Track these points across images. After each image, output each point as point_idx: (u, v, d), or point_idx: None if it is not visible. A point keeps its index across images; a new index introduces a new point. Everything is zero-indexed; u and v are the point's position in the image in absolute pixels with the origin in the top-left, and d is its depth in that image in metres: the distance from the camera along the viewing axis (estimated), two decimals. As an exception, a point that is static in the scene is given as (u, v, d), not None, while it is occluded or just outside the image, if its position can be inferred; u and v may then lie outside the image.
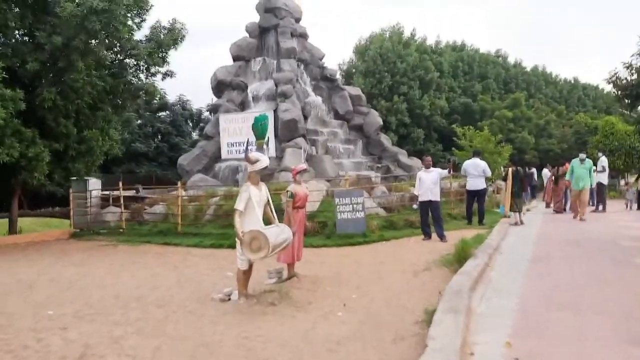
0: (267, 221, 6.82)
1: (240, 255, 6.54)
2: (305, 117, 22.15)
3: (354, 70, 35.82)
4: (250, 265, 6.74)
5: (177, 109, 39.60)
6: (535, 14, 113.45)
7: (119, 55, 15.36)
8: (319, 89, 25.03)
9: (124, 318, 5.80)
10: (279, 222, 7.00)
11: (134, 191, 17.37)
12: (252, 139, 11.42)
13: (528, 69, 49.20)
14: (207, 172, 20.65)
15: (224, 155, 11.68)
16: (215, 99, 24.02)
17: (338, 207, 11.36)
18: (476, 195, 13.52)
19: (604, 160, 17.52)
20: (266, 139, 6.42)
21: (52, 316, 5.99)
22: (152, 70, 15.95)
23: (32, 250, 12.36)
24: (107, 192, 17.04)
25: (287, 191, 7.82)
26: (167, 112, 39.23)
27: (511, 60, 48.42)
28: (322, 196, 12.80)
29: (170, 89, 67.97)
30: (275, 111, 21.26)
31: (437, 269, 8.22)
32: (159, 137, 37.90)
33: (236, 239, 6.38)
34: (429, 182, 10.85)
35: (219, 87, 23.26)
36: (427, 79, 34.41)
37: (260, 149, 6.77)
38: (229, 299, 6.74)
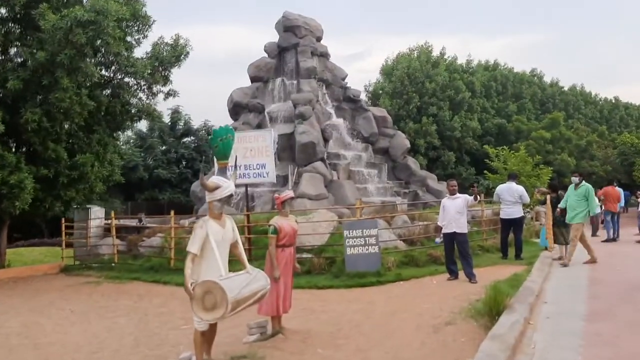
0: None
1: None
2: (326, 140, 20.78)
3: (380, 91, 34.29)
4: (213, 325, 5.16)
5: (202, 135, 38.78)
6: (571, 34, 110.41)
7: (117, 74, 14.22)
8: (342, 110, 23.67)
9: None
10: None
11: (137, 221, 16.06)
12: (243, 161, 9.84)
13: (566, 89, 46.84)
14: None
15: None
16: (232, 122, 22.90)
17: (347, 240, 9.70)
18: (512, 225, 11.67)
19: None
20: (231, 159, 4.92)
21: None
22: (154, 89, 14.74)
23: (6, 288, 11.07)
24: (109, 222, 15.79)
25: (269, 225, 6.25)
26: (191, 137, 38.38)
27: (547, 79, 46.20)
28: (333, 227, 11.14)
29: (196, 114, 67.74)
30: (292, 134, 19.94)
31: (464, 322, 6.48)
32: (183, 163, 37.01)
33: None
34: (453, 211, 9.12)
35: (235, 109, 22.19)
36: (458, 99, 32.59)
37: (223, 173, 5.17)
38: (184, 369, 5.19)
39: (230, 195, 5.16)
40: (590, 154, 34.42)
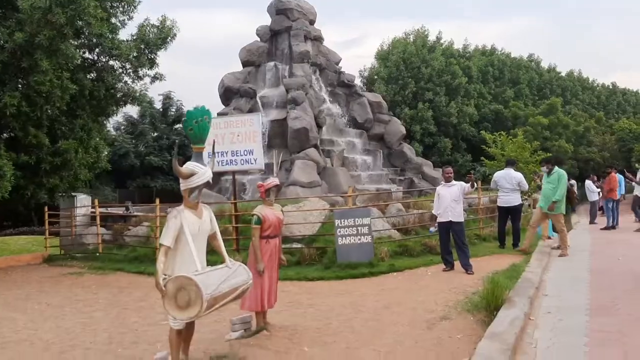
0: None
1: (170, 311, 4.55)
2: (320, 126, 20.29)
3: (375, 77, 33.72)
4: (190, 323, 4.77)
5: (195, 121, 38.00)
6: (568, 20, 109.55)
7: (101, 57, 13.68)
8: (336, 95, 23.18)
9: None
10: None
11: (124, 209, 15.62)
12: (230, 146, 9.39)
13: (563, 74, 46.36)
14: (212, 187, 18.88)
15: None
16: (224, 108, 22.37)
17: (339, 230, 9.29)
18: (510, 213, 11.29)
19: None
20: (207, 143, 4.45)
21: None
22: (140, 73, 14.20)
23: (-16, 280, 10.66)
24: (94, 210, 15.34)
25: (253, 215, 5.83)
26: (183, 123, 37.70)
27: (545, 65, 45.70)
28: (324, 216, 10.72)
29: (193, 101, 67.03)
30: (284, 119, 19.44)
31: (460, 317, 6.13)
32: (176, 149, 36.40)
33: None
34: (448, 199, 8.71)
35: (227, 94, 21.66)
36: (455, 85, 32.07)
37: (199, 158, 4.72)
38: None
39: (208, 183, 4.73)
40: (588, 140, 34.06)
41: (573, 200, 11.34)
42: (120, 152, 31.56)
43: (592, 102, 46.19)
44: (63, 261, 12.85)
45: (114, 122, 32.33)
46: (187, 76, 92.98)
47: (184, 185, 4.69)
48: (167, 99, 37.13)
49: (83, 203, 15.93)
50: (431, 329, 5.76)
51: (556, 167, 10.29)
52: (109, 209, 16.98)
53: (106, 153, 15.18)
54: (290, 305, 7.16)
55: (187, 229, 4.57)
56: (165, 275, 4.40)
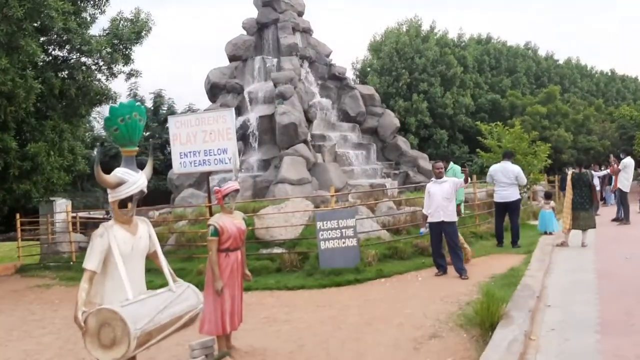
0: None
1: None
2: (310, 121, 19.54)
3: (368, 68, 32.86)
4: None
5: (185, 119, 37.23)
6: (565, 6, 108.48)
7: (70, 53, 12.91)
8: (327, 89, 22.37)
9: None
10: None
11: (104, 213, 14.87)
12: (202, 145, 8.62)
13: (561, 62, 45.46)
14: (199, 186, 18.15)
15: (175, 169, 8.99)
16: (210, 104, 21.59)
17: (321, 233, 8.53)
18: (508, 209, 10.53)
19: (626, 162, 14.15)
20: (138, 144, 3.72)
21: None
22: (115, 70, 13.43)
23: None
24: (74, 215, 14.61)
25: (208, 226, 5.07)
26: (175, 122, 36.92)
27: (542, 52, 44.77)
28: (308, 217, 9.95)
29: (181, 99, 66.26)
30: (273, 115, 18.67)
31: (451, 334, 5.42)
32: (168, 149, 35.70)
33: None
34: (439, 197, 7.95)
35: (213, 90, 20.87)
36: (450, 75, 31.22)
37: (130, 163, 3.95)
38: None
39: (141, 192, 3.98)
40: (588, 129, 33.24)
41: (594, 196, 10.53)
42: (111, 152, 30.79)
43: (591, 89, 45.32)
44: (36, 271, 12.09)
45: (84, 121, 31.45)
46: (181, 74, 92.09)
47: (112, 196, 3.95)
48: (158, 97, 36.39)
49: (62, 208, 15.16)
50: (418, 350, 5.04)
51: (451, 164, 9.66)
52: (91, 213, 16.25)
53: (82, 156, 14.32)
54: (264, 322, 6.43)
55: (116, 249, 3.83)
56: (84, 309, 3.66)
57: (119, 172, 3.92)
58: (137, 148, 4.05)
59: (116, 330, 3.49)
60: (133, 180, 3.91)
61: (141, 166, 4.01)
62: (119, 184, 3.87)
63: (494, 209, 13.36)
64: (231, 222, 5.11)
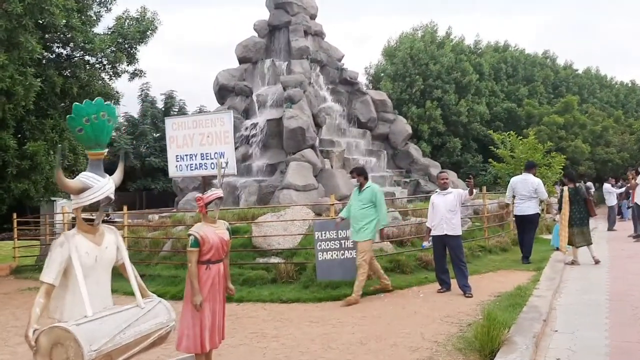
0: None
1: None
2: (319, 126, 19.20)
3: (381, 74, 32.41)
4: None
5: (197, 121, 37.08)
6: (585, 15, 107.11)
7: (74, 52, 12.73)
8: (337, 93, 22.01)
9: None
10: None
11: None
12: (199, 148, 8.30)
13: (580, 71, 44.61)
14: (204, 190, 17.92)
15: (171, 172, 8.70)
16: (218, 106, 21.35)
17: (319, 243, 8.14)
18: (523, 223, 10.09)
19: None
20: (107, 148, 3.40)
21: None
22: (118, 69, 13.24)
23: None
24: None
25: (189, 235, 4.73)
26: (186, 124, 36.79)
27: (561, 61, 44.01)
28: (308, 227, 9.56)
29: (194, 100, 66.27)
30: (281, 119, 18.37)
31: (448, 358, 4.99)
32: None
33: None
34: (443, 210, 7.55)
35: (221, 92, 20.65)
36: (465, 82, 30.65)
37: (96, 168, 3.63)
38: None
39: (108, 199, 3.65)
40: (606, 140, 32.44)
41: (591, 210, 9.95)
42: (119, 153, 30.67)
43: (610, 100, 44.39)
44: (32, 273, 11.85)
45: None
46: (195, 75, 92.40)
47: (75, 202, 3.63)
48: (169, 98, 36.25)
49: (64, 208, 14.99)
50: (411, 377, 4.64)
51: (369, 182, 7.89)
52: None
53: (83, 156, 14.15)
54: (252, 338, 6.06)
55: (77, 260, 3.51)
56: (36, 327, 3.33)
57: (83, 177, 3.60)
58: (104, 151, 3.73)
59: (69, 351, 3.16)
60: (99, 186, 3.59)
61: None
62: (83, 189, 3.55)
63: (504, 222, 12.96)
64: (213, 232, 4.76)
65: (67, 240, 3.53)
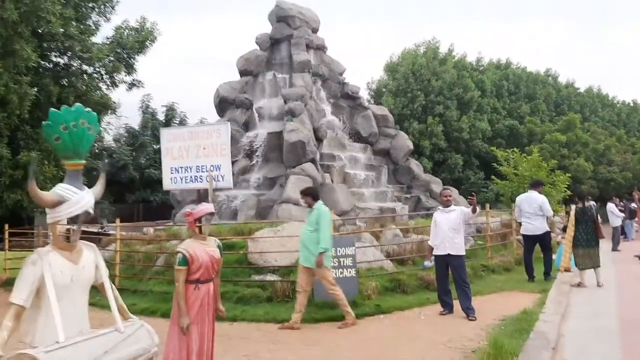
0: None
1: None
2: (320, 140, 18.99)
3: (383, 89, 32.32)
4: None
5: (198, 133, 36.89)
6: (587, 34, 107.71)
7: (71, 60, 12.54)
8: (339, 107, 21.82)
9: None
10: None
11: (99, 227, 14.35)
12: (195, 161, 8.05)
13: (582, 90, 44.56)
14: (202, 202, 17.64)
15: (165, 185, 8.42)
16: (218, 119, 21.17)
17: (317, 262, 7.83)
18: (537, 243, 9.86)
19: None
20: (86, 159, 3.19)
21: None
22: (116, 79, 13.04)
23: None
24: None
25: (176, 252, 4.45)
26: (186, 136, 36.62)
27: (562, 80, 43.96)
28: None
29: (195, 113, 66.27)
30: (282, 132, 18.16)
31: (452, 389, 4.64)
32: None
33: None
34: (446, 228, 7.26)
35: (222, 105, 20.44)
36: (467, 99, 30.55)
37: (74, 179, 3.36)
38: None
39: (86, 213, 3.37)
40: (609, 159, 32.23)
41: (599, 232, 9.62)
42: (119, 164, 30.49)
43: (612, 119, 44.30)
44: (21, 286, 11.50)
45: (114, 133, 31.37)
46: (197, 87, 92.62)
47: (50, 217, 3.35)
48: (170, 110, 36.14)
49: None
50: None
51: (318, 203, 7.05)
52: (89, 227, 15.71)
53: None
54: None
55: (50, 280, 3.22)
56: (1, 353, 3.04)
57: (60, 189, 3.33)
58: (83, 161, 3.47)
59: (35, 383, 2.86)
60: (76, 199, 3.31)
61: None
62: (59, 202, 3.27)
63: (507, 241, 12.68)
64: (203, 249, 4.48)
65: (40, 258, 3.24)
